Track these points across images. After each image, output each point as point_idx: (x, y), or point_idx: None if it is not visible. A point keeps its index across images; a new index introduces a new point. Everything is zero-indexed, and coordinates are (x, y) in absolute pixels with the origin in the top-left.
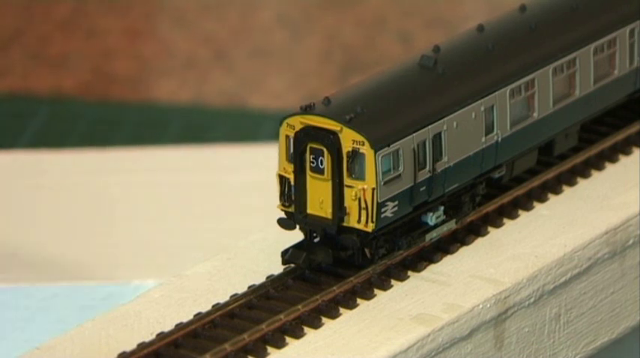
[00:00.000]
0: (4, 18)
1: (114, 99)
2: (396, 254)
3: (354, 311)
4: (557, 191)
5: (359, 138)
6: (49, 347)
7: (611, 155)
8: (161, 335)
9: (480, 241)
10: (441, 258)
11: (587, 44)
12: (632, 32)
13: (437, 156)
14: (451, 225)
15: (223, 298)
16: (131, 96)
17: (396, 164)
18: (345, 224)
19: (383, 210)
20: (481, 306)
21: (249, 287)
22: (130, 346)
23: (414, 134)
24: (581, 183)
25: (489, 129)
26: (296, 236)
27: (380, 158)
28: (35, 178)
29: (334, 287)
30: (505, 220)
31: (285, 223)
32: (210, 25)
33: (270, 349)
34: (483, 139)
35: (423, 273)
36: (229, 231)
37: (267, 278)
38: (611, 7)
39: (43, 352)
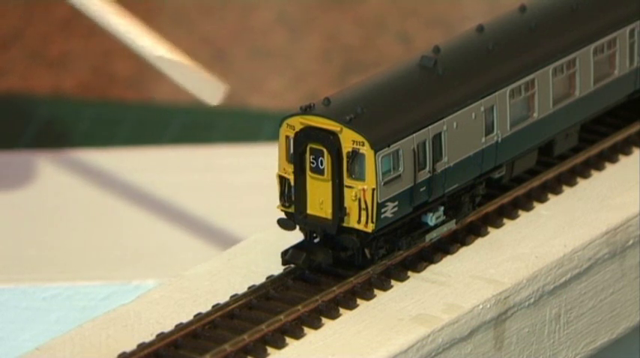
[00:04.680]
0: (4, 18)
1: (114, 99)
2: (396, 254)
3: (354, 311)
4: (557, 191)
5: (359, 138)
6: (49, 348)
7: (611, 155)
8: (161, 336)
9: (479, 241)
10: (441, 258)
11: (587, 44)
12: (632, 32)
13: (437, 156)
14: (451, 225)
15: (223, 298)
16: (131, 96)
17: (396, 164)
18: (345, 224)
19: (383, 210)
20: (481, 307)
21: (249, 288)
22: (130, 346)
23: (414, 134)
24: (581, 183)
25: (489, 130)
26: (296, 236)
27: (380, 158)
28: (35, 178)
29: (334, 288)
30: (505, 220)
31: (285, 223)
32: (210, 25)
33: (270, 349)
34: (483, 140)
35: (423, 274)
36: (229, 230)
37: (267, 278)
38: (611, 8)
39: (43, 352)
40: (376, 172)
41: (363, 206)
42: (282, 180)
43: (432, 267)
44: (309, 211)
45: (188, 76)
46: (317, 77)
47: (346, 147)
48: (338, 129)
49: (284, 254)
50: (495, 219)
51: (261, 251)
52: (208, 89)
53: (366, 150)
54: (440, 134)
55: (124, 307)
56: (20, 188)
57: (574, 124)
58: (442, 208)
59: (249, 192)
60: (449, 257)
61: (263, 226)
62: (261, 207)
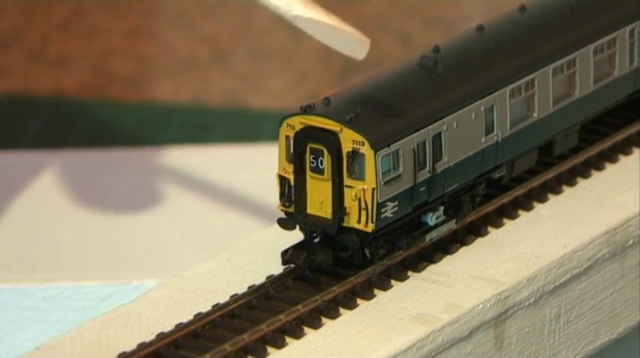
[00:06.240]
0: (4, 18)
1: (114, 99)
2: (396, 254)
3: (354, 311)
4: (557, 191)
5: (359, 138)
6: (49, 347)
7: (611, 155)
8: (161, 336)
9: (479, 241)
10: (441, 258)
11: (587, 44)
12: (632, 32)
13: (437, 156)
14: (451, 225)
15: (223, 298)
16: (131, 96)
17: (396, 164)
18: (345, 224)
19: (383, 210)
20: (481, 306)
21: (249, 288)
22: (130, 346)
23: (414, 134)
24: (581, 183)
25: (489, 130)
26: (296, 236)
27: (380, 158)
28: (35, 178)
29: (334, 288)
30: (505, 220)
31: (285, 223)
32: (210, 25)
33: (270, 349)
34: (483, 139)
35: (423, 273)
36: (229, 231)
37: (267, 278)
38: (611, 7)
39: (43, 352)
40: (376, 172)
41: (363, 206)
42: (282, 180)
43: (432, 267)
44: (309, 211)
45: (329, 33)
46: (317, 77)
47: (346, 147)
48: (338, 129)
49: (284, 254)
50: (495, 219)
51: (261, 251)
52: (352, 44)
53: (366, 149)
54: (440, 134)
55: (124, 307)
56: (20, 188)
57: (574, 124)
58: (442, 208)
59: (249, 192)
60: (449, 257)
61: (263, 226)
62: (261, 207)
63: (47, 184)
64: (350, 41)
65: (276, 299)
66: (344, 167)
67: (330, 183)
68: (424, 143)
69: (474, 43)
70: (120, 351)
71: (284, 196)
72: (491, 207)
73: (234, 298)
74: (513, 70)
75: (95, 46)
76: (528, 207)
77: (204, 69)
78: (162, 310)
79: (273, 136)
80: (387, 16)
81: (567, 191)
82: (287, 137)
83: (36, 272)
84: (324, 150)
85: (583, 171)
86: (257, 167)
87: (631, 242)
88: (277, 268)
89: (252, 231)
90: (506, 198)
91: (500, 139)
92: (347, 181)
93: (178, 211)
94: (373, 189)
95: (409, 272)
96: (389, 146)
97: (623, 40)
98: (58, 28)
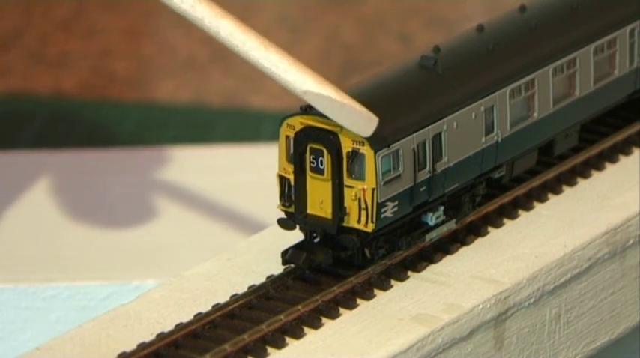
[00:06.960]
0: (4, 18)
1: (114, 99)
2: (396, 254)
3: (354, 311)
4: (557, 191)
5: (359, 138)
6: (49, 347)
7: (611, 155)
8: (161, 336)
9: (479, 241)
10: (441, 258)
11: (587, 44)
12: (632, 32)
13: (437, 156)
14: (451, 225)
15: (223, 298)
16: (131, 96)
17: (396, 164)
18: (345, 224)
19: (383, 210)
20: (481, 306)
21: (249, 288)
22: (130, 346)
23: (414, 134)
24: (581, 183)
25: (489, 130)
26: (296, 236)
27: (380, 158)
28: (35, 178)
29: (334, 288)
30: (505, 220)
31: (285, 223)
32: None
33: (270, 349)
34: (483, 139)
35: (423, 273)
36: (229, 231)
37: (267, 278)
38: (611, 7)
39: (43, 352)
40: (376, 172)
41: (363, 206)
42: (282, 180)
43: (432, 267)
44: (309, 211)
45: (337, 108)
46: None
47: (346, 147)
48: (338, 128)
49: (284, 254)
50: (495, 219)
51: (261, 251)
52: (360, 121)
53: (366, 150)
54: (440, 134)
55: (124, 307)
56: (20, 188)
57: (574, 124)
58: (442, 208)
59: (249, 192)
60: (449, 257)
61: (263, 226)
62: (261, 207)
63: (47, 184)
64: (358, 118)
65: (276, 299)
66: (344, 167)
67: (330, 183)
68: (424, 143)
69: (474, 43)
70: (120, 351)
71: (284, 196)
72: (491, 207)
73: (234, 298)
74: (513, 70)
75: (95, 46)
76: (528, 207)
77: (204, 69)
78: (162, 310)
79: (273, 136)
80: (387, 16)
81: (567, 191)
82: (287, 137)
83: (36, 272)
84: (324, 150)
85: (583, 171)
86: (257, 167)
87: (631, 242)
88: (277, 268)
89: (252, 231)
90: (506, 198)
91: (500, 139)
92: (347, 181)
93: (178, 211)
94: (373, 189)
95: (409, 272)
96: (389, 146)
97: (623, 40)
98: (58, 28)
